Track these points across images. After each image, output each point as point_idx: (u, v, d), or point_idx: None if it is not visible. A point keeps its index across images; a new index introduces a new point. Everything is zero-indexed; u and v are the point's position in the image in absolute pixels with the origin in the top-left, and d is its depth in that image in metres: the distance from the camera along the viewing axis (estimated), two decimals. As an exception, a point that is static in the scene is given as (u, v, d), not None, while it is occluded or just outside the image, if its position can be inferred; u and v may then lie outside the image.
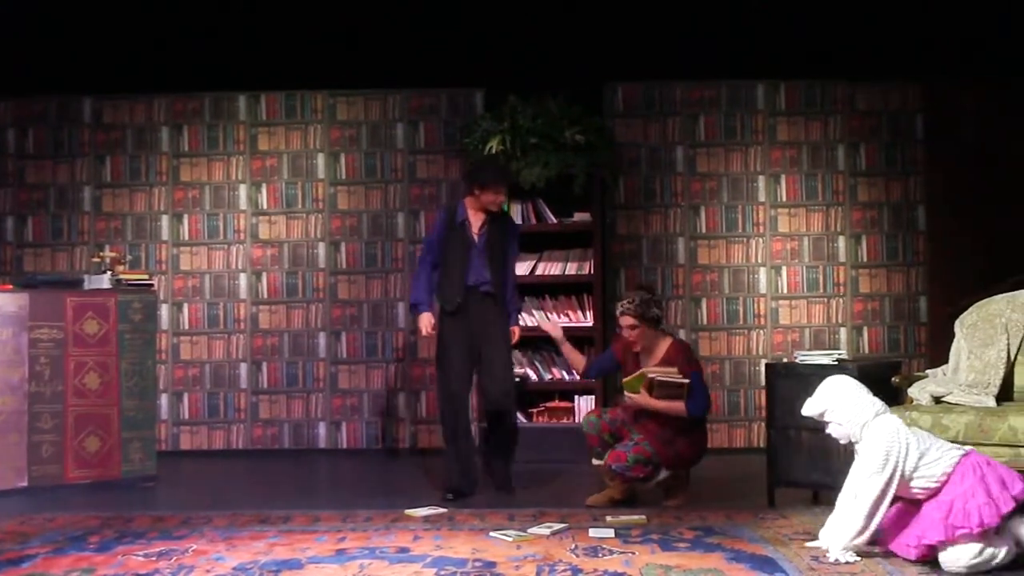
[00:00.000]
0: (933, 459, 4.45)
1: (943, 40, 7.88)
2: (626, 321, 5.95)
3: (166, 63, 8.11)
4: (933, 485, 4.44)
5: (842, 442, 4.71)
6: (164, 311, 8.12)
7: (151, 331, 6.89)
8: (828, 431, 4.73)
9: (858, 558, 4.52)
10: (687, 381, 5.81)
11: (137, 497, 6.38)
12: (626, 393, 5.94)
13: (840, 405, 4.63)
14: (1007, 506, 4.30)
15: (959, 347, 5.76)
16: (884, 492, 4.44)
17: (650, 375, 5.82)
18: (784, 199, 8.14)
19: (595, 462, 6.07)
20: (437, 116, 8.27)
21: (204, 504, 6.04)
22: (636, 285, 6.45)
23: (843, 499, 4.67)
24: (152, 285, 7.08)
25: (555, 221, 7.78)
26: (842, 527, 4.56)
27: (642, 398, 5.85)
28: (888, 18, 7.87)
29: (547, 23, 7.92)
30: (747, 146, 8.18)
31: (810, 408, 4.72)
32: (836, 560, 4.52)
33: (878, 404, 4.61)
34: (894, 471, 4.43)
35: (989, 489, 4.33)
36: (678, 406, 5.81)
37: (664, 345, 6.00)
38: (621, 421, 6.00)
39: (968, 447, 4.60)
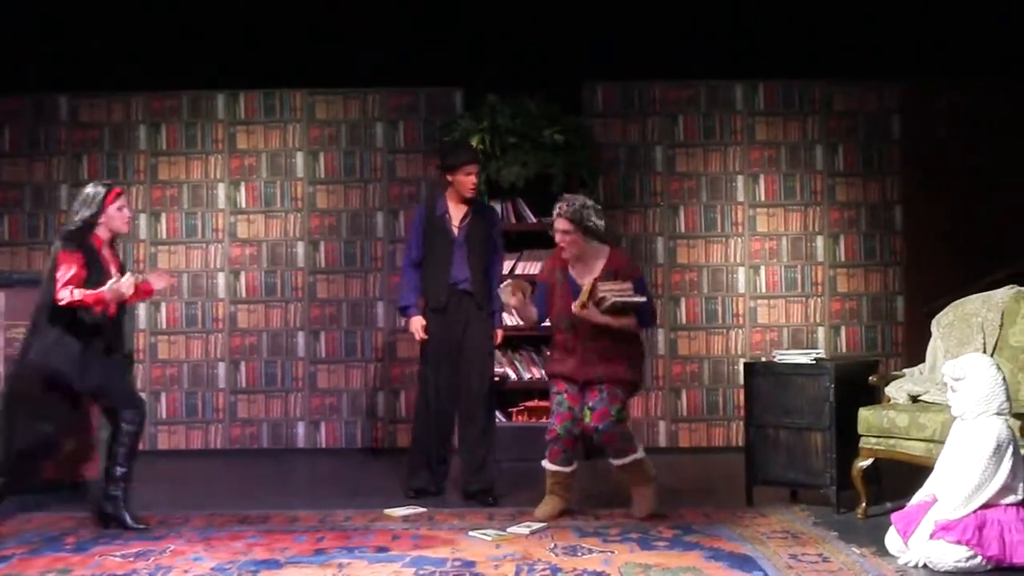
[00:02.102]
0: (1020, 487, 4.49)
1: (920, 41, 7.92)
2: (560, 225, 5.45)
3: (144, 61, 8.06)
4: (1009, 501, 4.46)
5: (953, 412, 4.68)
6: (141, 310, 8.07)
7: (129, 330, 6.84)
8: (948, 395, 4.71)
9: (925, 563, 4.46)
10: (642, 299, 5.45)
11: (114, 497, 6.34)
12: (574, 309, 5.45)
13: (978, 383, 4.59)
14: None
15: (936, 346, 5.80)
16: (981, 486, 4.42)
17: (602, 292, 5.36)
18: (763, 199, 8.18)
19: (549, 466, 5.63)
20: (416, 115, 8.26)
21: (182, 504, 6.02)
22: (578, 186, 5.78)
23: (921, 495, 4.67)
24: (129, 284, 7.02)
25: (534, 220, 7.78)
26: (938, 508, 4.51)
27: (593, 315, 5.41)
28: (865, 19, 7.91)
29: (526, 23, 7.91)
30: (726, 146, 8.21)
31: (952, 368, 4.68)
32: (909, 562, 4.47)
33: (1004, 404, 4.58)
34: (998, 471, 4.44)
35: None
36: (629, 321, 5.49)
37: (603, 256, 5.59)
38: (574, 394, 5.62)
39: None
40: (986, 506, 4.42)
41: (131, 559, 4.74)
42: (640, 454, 5.61)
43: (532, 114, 7.61)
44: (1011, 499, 4.45)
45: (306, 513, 5.71)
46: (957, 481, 4.47)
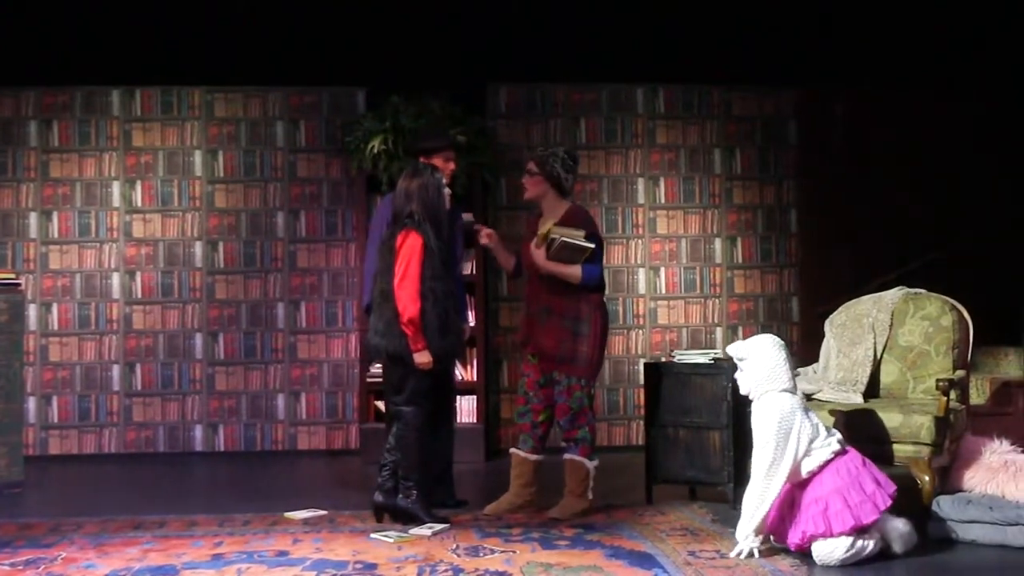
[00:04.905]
0: (821, 445, 4.60)
1: (816, 49, 8.13)
2: (528, 165, 5.71)
3: (35, 55, 7.83)
4: (814, 468, 4.57)
5: (741, 391, 4.81)
6: (32, 311, 7.85)
7: (18, 332, 6.65)
8: (736, 375, 4.82)
9: (757, 553, 4.61)
10: (591, 246, 5.47)
11: (3, 504, 6.14)
12: (533, 246, 5.58)
13: (758, 362, 4.70)
14: (884, 504, 4.50)
15: (829, 346, 5.95)
16: (775, 466, 4.54)
17: (553, 234, 5.46)
18: (663, 201, 8.29)
19: (514, 451, 5.73)
20: (318, 114, 8.18)
21: (74, 510, 5.86)
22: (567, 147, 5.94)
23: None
24: (19, 284, 6.82)
25: (437, 221, 7.75)
26: (743, 513, 4.65)
27: (539, 256, 5.53)
28: (764, 27, 8.08)
29: (430, 23, 7.91)
30: (627, 149, 8.31)
31: (735, 349, 4.80)
32: (739, 553, 4.62)
33: (786, 381, 4.67)
34: (785, 447, 4.54)
35: (863, 487, 4.50)
36: (573, 271, 5.50)
37: (562, 209, 5.66)
38: (536, 383, 5.66)
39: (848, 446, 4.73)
40: (817, 482, 4.54)
41: (20, 567, 4.60)
42: (588, 464, 5.59)
43: (436, 115, 7.59)
44: (818, 459, 4.57)
45: (204, 517, 5.61)
46: (754, 461, 4.62)
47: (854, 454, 4.64)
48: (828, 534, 4.46)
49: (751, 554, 4.61)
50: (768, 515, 4.61)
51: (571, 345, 5.55)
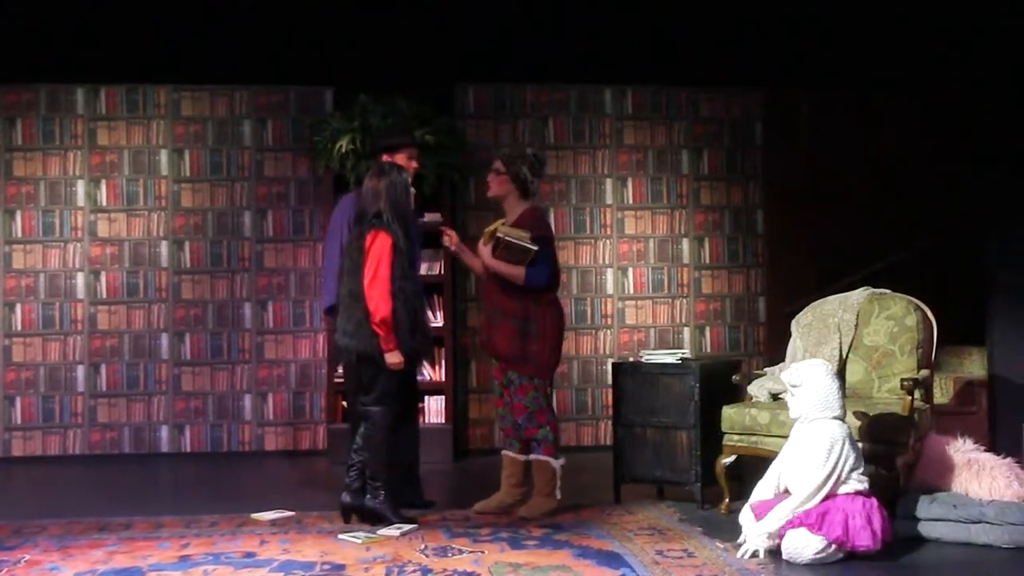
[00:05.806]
0: (858, 477, 4.66)
1: (783, 51, 8.17)
2: (495, 164, 5.72)
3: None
4: (840, 494, 4.63)
5: (791, 415, 4.84)
6: (-5, 311, 7.78)
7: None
8: (788, 398, 4.86)
9: (762, 554, 4.63)
10: (535, 248, 5.49)
11: (-35, 507, 6.09)
12: (481, 242, 5.66)
13: (811, 389, 4.74)
14: (878, 543, 4.55)
15: (795, 346, 5.99)
16: (822, 485, 4.59)
17: (499, 233, 5.52)
18: (630, 202, 8.32)
19: (504, 452, 5.76)
20: (286, 113, 8.14)
21: (38, 512, 5.80)
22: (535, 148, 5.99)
23: (762, 486, 4.81)
24: (-18, 284, 6.76)
25: (405, 221, 7.73)
26: (774, 512, 4.65)
27: (485, 254, 5.59)
28: (731, 28, 8.12)
29: (399, 23, 7.89)
30: (595, 149, 8.32)
31: (788, 376, 4.84)
32: (746, 552, 4.63)
33: (837, 409, 4.74)
34: (834, 468, 4.60)
35: (871, 520, 4.56)
36: (516, 271, 5.53)
37: (520, 209, 5.69)
38: (502, 384, 5.68)
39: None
40: (831, 496, 4.62)
41: (-17, 570, 4.56)
42: (553, 463, 5.60)
43: (404, 114, 7.56)
44: (850, 488, 4.63)
45: (171, 519, 5.57)
46: (798, 485, 4.66)
47: (876, 501, 4.68)
48: (814, 529, 4.51)
49: (755, 554, 4.63)
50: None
51: (521, 344, 5.56)
